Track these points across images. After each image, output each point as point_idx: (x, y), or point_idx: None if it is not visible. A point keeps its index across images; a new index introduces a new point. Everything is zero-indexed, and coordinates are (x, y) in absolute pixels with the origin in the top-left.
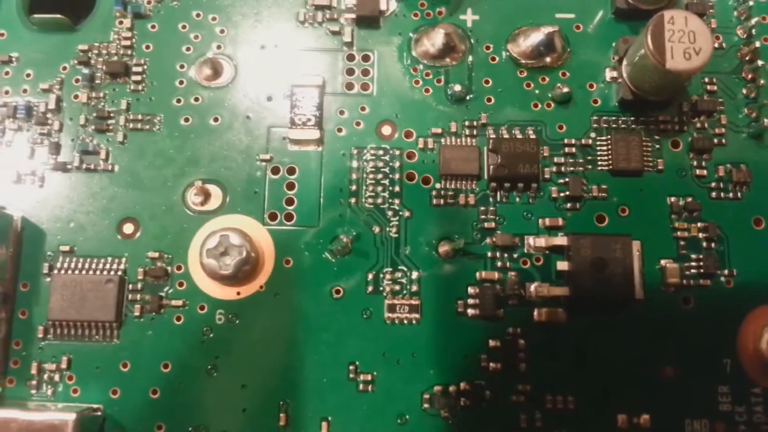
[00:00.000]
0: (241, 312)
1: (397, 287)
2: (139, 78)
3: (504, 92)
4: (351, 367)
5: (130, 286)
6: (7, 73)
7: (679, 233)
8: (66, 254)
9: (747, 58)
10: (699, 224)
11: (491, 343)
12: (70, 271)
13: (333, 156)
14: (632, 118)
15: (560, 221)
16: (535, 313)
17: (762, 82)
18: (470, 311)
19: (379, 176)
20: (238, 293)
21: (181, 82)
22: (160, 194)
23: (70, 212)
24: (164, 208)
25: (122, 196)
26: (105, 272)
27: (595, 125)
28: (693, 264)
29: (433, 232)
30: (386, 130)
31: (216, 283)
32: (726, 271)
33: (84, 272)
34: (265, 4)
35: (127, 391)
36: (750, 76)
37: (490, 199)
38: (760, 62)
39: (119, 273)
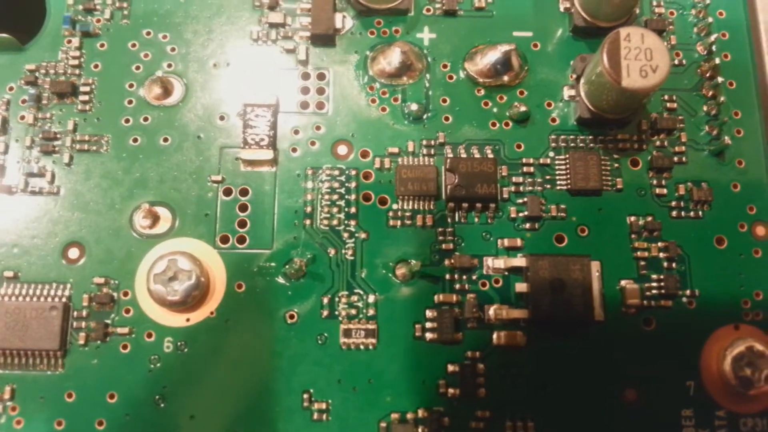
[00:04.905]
0: (190, 339)
1: (353, 311)
2: (86, 98)
3: (462, 111)
4: (305, 395)
5: (75, 313)
6: None
7: (639, 253)
8: (10, 280)
9: (707, 75)
10: (659, 244)
11: (450, 367)
12: (13, 298)
13: (287, 176)
14: (590, 137)
15: (519, 242)
16: (495, 336)
17: (722, 99)
18: (428, 335)
19: (335, 197)
20: (188, 320)
21: (129, 102)
22: (106, 217)
23: (15, 236)
24: (111, 232)
25: (67, 220)
26: (49, 299)
27: (553, 144)
28: (654, 284)
29: (390, 254)
30: (342, 149)
31: (164, 310)
32: (688, 292)
33: (27, 299)
34: (217, 22)
35: (72, 423)
36: (710, 93)
37: (448, 220)
38: (720, 79)
39: (64, 299)
